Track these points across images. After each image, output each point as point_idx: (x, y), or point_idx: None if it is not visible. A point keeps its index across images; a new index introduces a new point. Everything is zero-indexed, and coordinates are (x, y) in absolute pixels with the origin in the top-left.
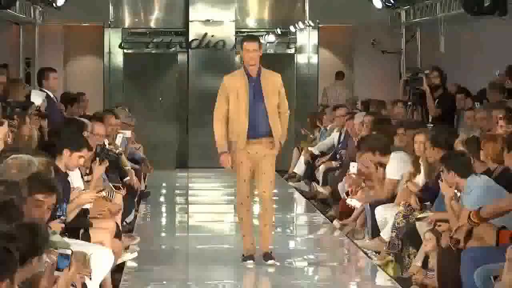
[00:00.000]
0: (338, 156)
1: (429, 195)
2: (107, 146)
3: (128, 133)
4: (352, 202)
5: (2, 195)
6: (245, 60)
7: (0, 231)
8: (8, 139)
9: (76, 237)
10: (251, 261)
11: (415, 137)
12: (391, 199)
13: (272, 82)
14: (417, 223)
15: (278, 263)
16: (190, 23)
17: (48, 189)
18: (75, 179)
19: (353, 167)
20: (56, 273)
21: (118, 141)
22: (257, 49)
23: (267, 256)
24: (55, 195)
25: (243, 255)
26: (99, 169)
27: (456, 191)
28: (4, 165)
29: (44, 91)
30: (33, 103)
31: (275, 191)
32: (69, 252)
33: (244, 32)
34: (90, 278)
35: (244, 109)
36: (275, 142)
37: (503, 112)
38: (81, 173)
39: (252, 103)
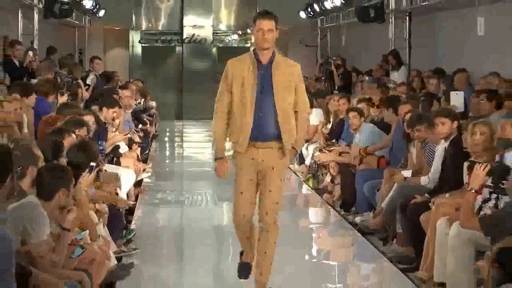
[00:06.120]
0: None
1: (334, 135)
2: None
3: None
4: None
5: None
6: (257, 43)
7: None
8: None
9: (111, 163)
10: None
11: (330, 101)
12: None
13: (287, 73)
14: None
15: None
16: (183, 27)
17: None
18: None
19: None
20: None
21: (140, 103)
22: (273, 29)
23: None
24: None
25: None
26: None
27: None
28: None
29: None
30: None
31: None
32: (93, 164)
33: (218, 32)
34: (120, 189)
35: (249, 103)
36: (284, 148)
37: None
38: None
39: (259, 96)
